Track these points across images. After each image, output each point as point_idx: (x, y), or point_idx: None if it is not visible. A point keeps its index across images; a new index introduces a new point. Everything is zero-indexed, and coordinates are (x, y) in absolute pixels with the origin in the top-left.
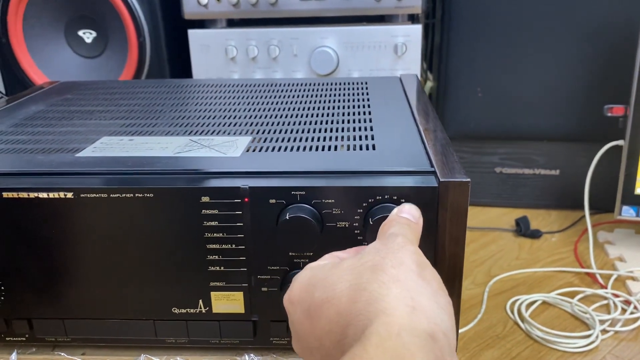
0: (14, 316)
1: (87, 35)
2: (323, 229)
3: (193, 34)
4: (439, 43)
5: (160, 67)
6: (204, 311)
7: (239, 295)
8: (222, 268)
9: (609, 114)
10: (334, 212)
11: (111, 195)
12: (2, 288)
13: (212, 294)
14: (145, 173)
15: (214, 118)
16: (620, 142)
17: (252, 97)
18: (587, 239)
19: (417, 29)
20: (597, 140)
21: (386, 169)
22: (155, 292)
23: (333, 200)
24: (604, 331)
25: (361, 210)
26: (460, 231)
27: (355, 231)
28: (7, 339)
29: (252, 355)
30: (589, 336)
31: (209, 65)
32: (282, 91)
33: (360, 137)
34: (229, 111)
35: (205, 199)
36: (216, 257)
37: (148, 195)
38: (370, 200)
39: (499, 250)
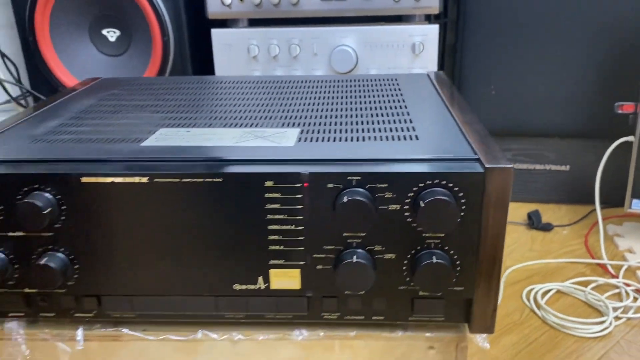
0: (85, 293)
1: (111, 34)
2: (376, 211)
3: (216, 33)
4: (452, 42)
5: (183, 65)
6: (263, 287)
7: (296, 272)
8: (281, 247)
9: (620, 111)
10: (386, 195)
11: (182, 180)
12: (77, 267)
13: (271, 271)
14: (214, 160)
15: (259, 112)
16: (630, 138)
17: (289, 92)
18: (597, 232)
19: (434, 29)
20: (606, 137)
21: (434, 157)
22: (218, 270)
23: (386, 185)
24: (617, 318)
25: (412, 194)
26: (503, 214)
27: (405, 214)
28: (76, 315)
29: (302, 330)
30: (602, 322)
31: (230, 63)
32: (316, 87)
33: (402, 129)
34: (271, 105)
35: (269, 183)
36: (276, 237)
37: (217, 180)
38: (420, 185)
39: (513, 242)
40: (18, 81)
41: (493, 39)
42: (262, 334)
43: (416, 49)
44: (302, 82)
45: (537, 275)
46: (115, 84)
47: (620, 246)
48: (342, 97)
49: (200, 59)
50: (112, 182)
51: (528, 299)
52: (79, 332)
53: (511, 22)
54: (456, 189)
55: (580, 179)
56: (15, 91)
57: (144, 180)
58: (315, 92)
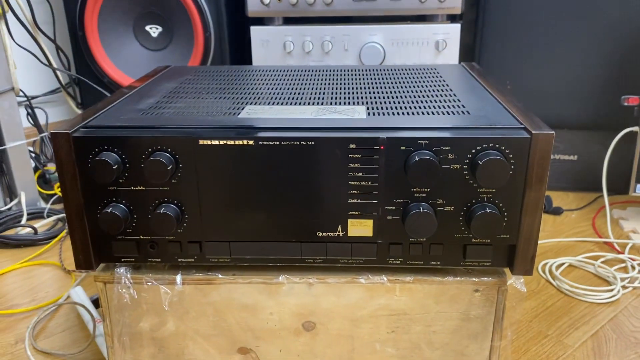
0: (190, 240)
1: (154, 30)
2: (440, 170)
3: (255, 30)
4: (470, 40)
5: (222, 59)
6: (341, 234)
7: (370, 222)
8: (358, 200)
9: (625, 104)
10: (449, 157)
11: (282, 143)
12: (186, 217)
13: (349, 221)
14: (305, 128)
15: (325, 93)
16: (635, 129)
17: (342, 78)
18: (603, 216)
19: (456, 28)
20: (611, 129)
21: (487, 125)
22: (305, 219)
23: (449, 148)
24: (624, 287)
25: (470, 156)
26: (544, 173)
27: (464, 172)
28: (179, 260)
29: (368, 274)
30: (611, 290)
31: (267, 58)
32: (366, 74)
33: (454, 106)
34: (332, 88)
35: (352, 145)
36: (355, 191)
37: (310, 143)
38: (477, 148)
39: None
40: (68, 69)
41: (508, 38)
42: (334, 278)
43: (439, 46)
44: (351, 70)
45: (550, 252)
46: (185, 71)
47: (625, 228)
48: (393, 82)
49: (237, 53)
50: (225, 144)
51: (543, 272)
52: (178, 277)
53: (525, 23)
54: (507, 151)
55: (587, 168)
56: (64, 79)
57: (251, 142)
58: (367, 78)
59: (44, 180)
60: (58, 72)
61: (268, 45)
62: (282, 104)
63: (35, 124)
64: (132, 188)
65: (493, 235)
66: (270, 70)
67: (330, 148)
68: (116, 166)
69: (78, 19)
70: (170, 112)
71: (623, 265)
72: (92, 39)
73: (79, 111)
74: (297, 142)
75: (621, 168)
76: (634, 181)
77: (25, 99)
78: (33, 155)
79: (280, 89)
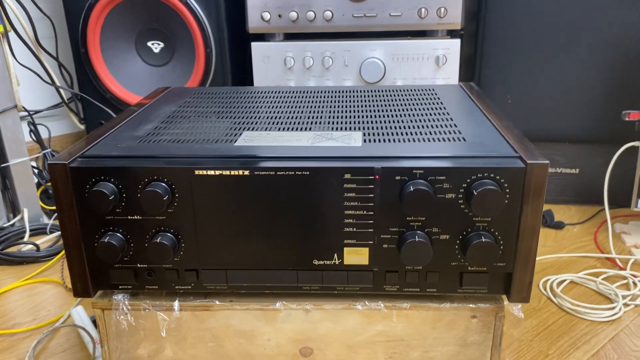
0: (186, 268)
1: (156, 46)
2: (435, 199)
3: (256, 46)
4: (470, 54)
5: (223, 75)
6: (337, 263)
7: (366, 250)
8: (354, 229)
9: (627, 119)
10: (444, 186)
11: (278, 173)
12: (183, 245)
13: (345, 249)
14: (301, 158)
15: (321, 118)
16: (636, 143)
17: (340, 101)
18: (605, 230)
19: (456, 43)
20: (612, 143)
21: (483, 154)
22: (301, 248)
23: (444, 177)
24: (625, 305)
25: (465, 185)
26: (540, 201)
27: (459, 201)
28: (176, 287)
29: (365, 301)
30: (613, 308)
31: (268, 73)
32: (364, 96)
33: (450, 132)
34: (330, 112)
35: (347, 175)
36: (351, 220)
37: (305, 173)
38: (472, 177)
39: None
40: (71, 87)
41: (509, 52)
42: (330, 305)
43: (440, 61)
44: (349, 92)
45: (551, 268)
46: (186, 93)
47: (627, 242)
48: (390, 105)
49: (238, 69)
50: (221, 174)
51: (545, 289)
52: (176, 304)
53: (525, 37)
54: (502, 180)
55: (588, 181)
56: (66, 94)
57: (247, 172)
58: (365, 101)
59: (46, 196)
60: (61, 90)
61: (269, 60)
62: (279, 129)
63: (38, 140)
64: (129, 217)
65: (489, 264)
66: (268, 92)
67: (325, 178)
68: (113, 196)
69: (80, 35)
70: (167, 139)
71: (625, 281)
72: (94, 55)
73: (82, 126)
74: (293, 172)
75: (623, 181)
76: (635, 197)
77: (27, 113)
78: (36, 171)
79: (278, 112)
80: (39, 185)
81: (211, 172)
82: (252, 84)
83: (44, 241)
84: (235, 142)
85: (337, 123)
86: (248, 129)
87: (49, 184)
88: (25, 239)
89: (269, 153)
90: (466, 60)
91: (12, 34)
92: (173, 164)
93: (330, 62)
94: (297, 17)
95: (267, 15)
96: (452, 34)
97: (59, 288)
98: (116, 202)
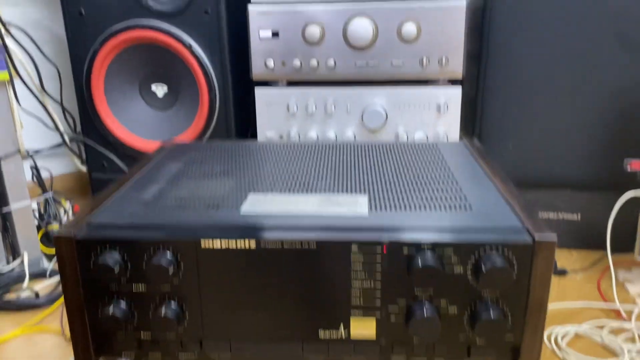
0: (190, 337)
1: (160, 90)
2: (443, 273)
3: (260, 92)
4: (471, 100)
5: (227, 120)
6: (343, 335)
7: (372, 323)
8: (361, 301)
9: (629, 169)
10: (452, 260)
11: (284, 247)
12: (187, 315)
13: (352, 321)
14: (308, 228)
15: (327, 177)
16: (638, 193)
17: (345, 158)
18: (608, 278)
19: (457, 91)
20: (614, 189)
21: (490, 226)
22: (307, 320)
23: (451, 250)
24: (631, 359)
25: (473, 260)
26: (548, 275)
27: (468, 276)
28: (180, 356)
29: None
30: None
31: (271, 118)
32: (368, 153)
33: (456, 198)
34: (334, 171)
35: (354, 248)
36: (358, 292)
37: (312, 247)
38: (480, 252)
39: None
40: (74, 130)
41: (510, 98)
42: None
43: (441, 109)
44: (353, 147)
45: (556, 318)
46: (190, 148)
47: (631, 291)
48: (395, 164)
49: (242, 113)
50: (227, 248)
51: (549, 341)
52: None
53: (526, 83)
54: (510, 255)
55: (590, 227)
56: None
57: (253, 246)
58: (369, 158)
59: (47, 238)
60: (64, 132)
61: (272, 106)
62: (285, 190)
63: (40, 183)
64: (133, 287)
65: (496, 338)
66: (272, 147)
67: (332, 251)
68: (117, 267)
69: (85, 79)
70: (173, 204)
71: (629, 334)
72: (98, 98)
73: (84, 168)
74: (300, 245)
75: (625, 225)
76: (638, 247)
77: (30, 156)
78: (36, 213)
79: (283, 170)
80: (39, 227)
81: (217, 244)
82: (255, 129)
83: (43, 286)
84: (240, 207)
85: (343, 184)
86: (254, 191)
87: (50, 227)
88: (25, 284)
89: (274, 222)
90: (468, 101)
91: (17, 79)
92: (179, 235)
93: (332, 108)
94: (301, 66)
95: (271, 63)
96: (453, 82)
97: (58, 338)
98: (121, 272)
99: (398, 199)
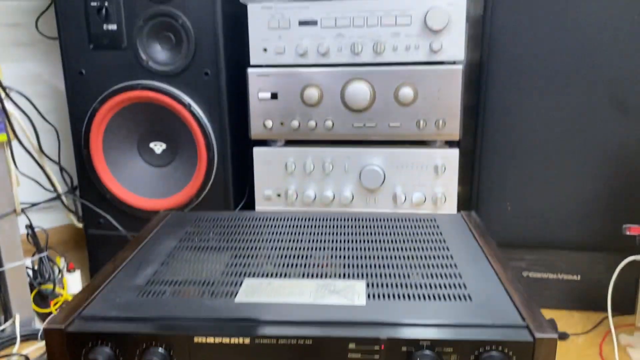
0: None
1: (158, 147)
2: None
3: (258, 151)
4: (469, 161)
5: (224, 178)
6: None
7: None
8: None
9: (627, 233)
10: (451, 358)
11: (279, 342)
12: None
13: None
14: (303, 323)
15: (324, 255)
16: (638, 257)
17: (342, 233)
18: (610, 341)
19: (454, 153)
20: (614, 250)
21: (490, 323)
22: None
23: (451, 349)
24: None
25: (473, 357)
26: None
27: None
28: None
29: None
30: None
31: (269, 177)
32: (365, 226)
33: (455, 286)
34: (332, 249)
35: (351, 345)
36: None
37: (308, 342)
38: (480, 350)
39: None
40: (71, 188)
41: (508, 159)
42: None
43: (439, 170)
44: (350, 220)
45: None
46: (186, 221)
47: (633, 357)
48: (392, 243)
49: (240, 172)
50: (220, 342)
51: None
52: None
53: (524, 144)
54: (510, 353)
55: (591, 287)
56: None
57: (247, 341)
58: (367, 234)
59: (40, 298)
60: (61, 193)
61: (270, 165)
62: (281, 274)
63: (35, 242)
64: None
65: None
66: (269, 220)
67: (329, 347)
68: None
69: (83, 137)
70: (167, 292)
71: None
72: (96, 156)
73: (80, 225)
74: (295, 341)
75: (625, 287)
76: (639, 312)
77: (23, 205)
78: (30, 272)
79: (279, 248)
80: (32, 286)
81: (210, 340)
82: (253, 187)
83: (34, 349)
84: (235, 295)
85: (340, 265)
86: (249, 274)
87: (43, 286)
88: (16, 347)
89: (270, 315)
90: (466, 160)
91: (14, 141)
92: (171, 330)
93: (330, 167)
94: (299, 126)
95: (269, 124)
96: (450, 143)
97: None
98: None
99: (396, 285)
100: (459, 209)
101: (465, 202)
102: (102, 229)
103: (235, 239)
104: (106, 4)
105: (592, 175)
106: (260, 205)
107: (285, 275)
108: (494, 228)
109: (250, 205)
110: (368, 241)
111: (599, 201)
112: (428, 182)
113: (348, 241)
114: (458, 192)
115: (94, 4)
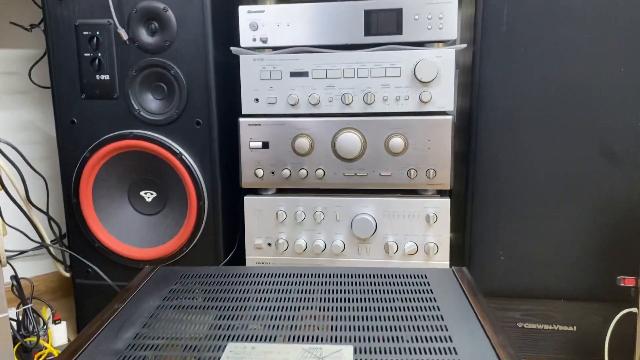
0: None
1: (148, 195)
2: None
3: (249, 200)
4: (462, 208)
5: (214, 228)
6: None
7: None
8: None
9: (622, 284)
10: None
11: None
12: None
13: None
14: None
15: (309, 317)
16: (634, 310)
17: (329, 290)
18: None
19: (446, 202)
20: (609, 301)
21: None
22: None
23: None
24: None
25: None
26: None
27: None
28: None
29: None
30: None
31: (260, 226)
32: (353, 283)
33: (445, 350)
34: (319, 308)
35: None
36: None
37: None
38: None
39: None
40: (59, 238)
41: (500, 208)
42: None
43: (430, 219)
44: (338, 275)
45: None
46: (172, 277)
47: None
48: (382, 301)
49: (230, 220)
50: None
51: None
52: None
53: (516, 194)
54: None
55: (587, 338)
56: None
57: None
58: (356, 292)
59: (23, 349)
60: (49, 245)
61: (261, 214)
62: (266, 337)
63: (20, 295)
64: None
65: None
66: (255, 276)
67: None
68: None
69: (73, 186)
70: (147, 358)
71: None
72: (85, 205)
73: (67, 275)
74: None
75: (622, 338)
76: None
77: (11, 253)
78: (14, 324)
79: (265, 309)
80: (15, 338)
81: None
82: (243, 236)
83: None
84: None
85: (328, 327)
86: (233, 337)
87: (26, 339)
88: None
89: None
90: (458, 208)
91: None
92: None
93: (321, 216)
94: (290, 174)
95: (260, 172)
96: (442, 193)
97: None
98: None
99: (385, 351)
100: (452, 257)
101: (459, 248)
102: (90, 279)
103: (221, 297)
104: (99, 54)
105: (584, 225)
106: (250, 255)
107: (271, 337)
108: (488, 277)
109: (241, 254)
110: (357, 300)
111: (593, 251)
112: (420, 232)
113: (337, 300)
114: (452, 239)
115: (87, 54)
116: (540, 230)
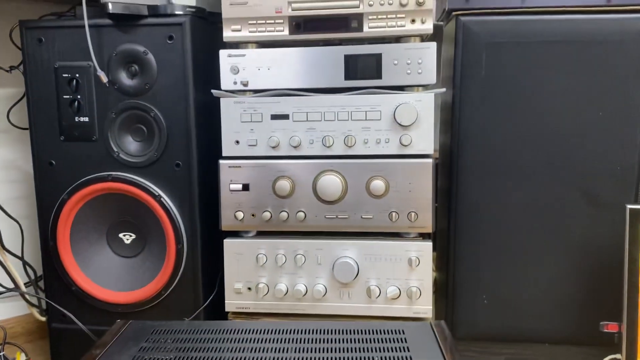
0: None
1: (127, 238)
2: None
3: (228, 243)
4: (444, 251)
5: (193, 271)
6: None
7: None
8: None
9: (605, 330)
10: None
11: None
12: None
13: None
14: None
15: None
16: (618, 356)
17: (305, 346)
18: None
19: (428, 246)
20: (594, 345)
21: None
22: None
23: None
24: None
25: None
26: None
27: None
28: None
29: None
30: None
31: (240, 270)
32: (327, 340)
33: None
34: None
35: None
36: None
37: None
38: None
39: None
40: (35, 282)
41: (482, 251)
42: None
43: (413, 263)
44: (315, 332)
45: None
46: (143, 333)
47: None
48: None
49: (210, 264)
50: None
51: None
52: None
53: (498, 237)
54: None
55: None
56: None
57: None
58: (332, 350)
59: None
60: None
61: (241, 257)
62: None
63: None
64: None
65: None
66: (232, 333)
67: None
68: None
69: (50, 229)
70: None
71: None
72: (62, 248)
73: (43, 319)
74: None
75: None
76: None
77: None
78: None
79: None
80: None
81: None
82: (223, 280)
83: None
84: None
85: None
86: None
87: None
88: None
89: None
90: (441, 249)
91: None
92: None
93: (302, 260)
94: (271, 217)
95: (240, 215)
96: (424, 236)
97: None
98: None
99: None
100: (436, 297)
101: (443, 290)
102: (66, 323)
103: (192, 356)
104: (79, 96)
105: (567, 268)
106: (230, 299)
107: None
108: (472, 321)
109: (220, 297)
110: (334, 359)
111: (576, 295)
112: (402, 275)
113: (312, 359)
114: (437, 280)
115: (66, 96)
116: (524, 274)
